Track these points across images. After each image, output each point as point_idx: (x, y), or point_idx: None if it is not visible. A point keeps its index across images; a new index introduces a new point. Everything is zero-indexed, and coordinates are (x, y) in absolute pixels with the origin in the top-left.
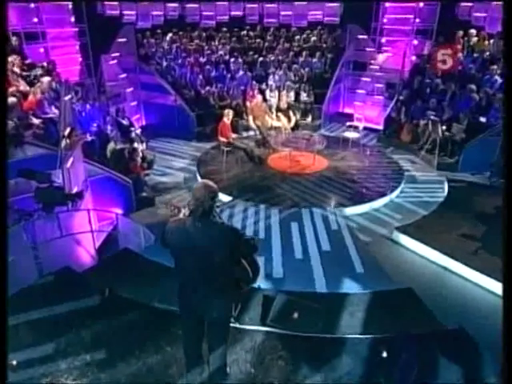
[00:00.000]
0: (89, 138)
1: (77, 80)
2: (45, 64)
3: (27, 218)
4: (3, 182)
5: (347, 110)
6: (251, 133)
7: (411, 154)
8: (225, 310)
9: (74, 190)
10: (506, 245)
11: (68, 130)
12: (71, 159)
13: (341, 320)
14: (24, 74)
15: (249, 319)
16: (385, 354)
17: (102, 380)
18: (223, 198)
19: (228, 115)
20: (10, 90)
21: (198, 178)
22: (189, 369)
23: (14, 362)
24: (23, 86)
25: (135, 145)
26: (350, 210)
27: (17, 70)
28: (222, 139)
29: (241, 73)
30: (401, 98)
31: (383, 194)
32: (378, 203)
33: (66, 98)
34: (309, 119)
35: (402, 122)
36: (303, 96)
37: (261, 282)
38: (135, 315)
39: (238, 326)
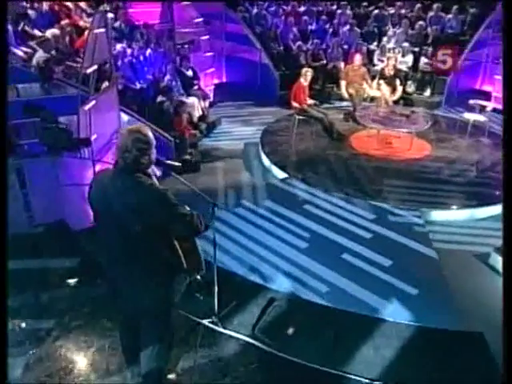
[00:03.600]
0: (137, 85)
1: (149, 22)
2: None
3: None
4: (3, 181)
5: (486, 88)
6: (345, 104)
7: None
8: (155, 299)
9: (93, 138)
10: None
11: (93, 68)
12: (93, 102)
13: (355, 353)
14: (89, 10)
15: (238, 324)
16: None
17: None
18: (280, 175)
19: (306, 75)
20: (62, 22)
21: (260, 148)
22: (127, 366)
23: None
24: (83, 22)
25: (186, 98)
26: (440, 215)
27: (82, 4)
28: (295, 104)
29: (347, 28)
30: None
31: (492, 202)
32: (482, 212)
33: (98, 30)
34: (426, 93)
35: None
36: (423, 63)
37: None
38: None
39: (220, 329)
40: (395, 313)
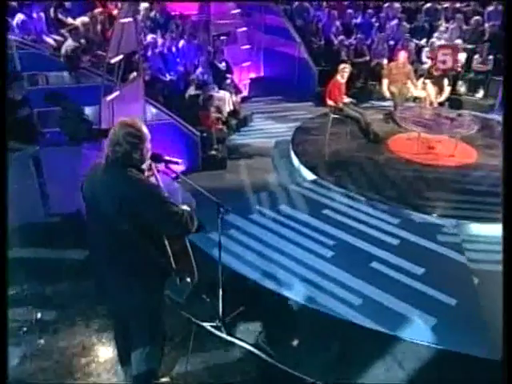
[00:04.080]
0: (167, 77)
1: (185, 13)
2: None
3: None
4: (3, 181)
5: None
6: (386, 103)
7: None
8: (142, 300)
9: None
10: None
11: (118, 58)
12: (116, 93)
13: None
14: None
15: (243, 330)
16: None
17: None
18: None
19: (343, 72)
20: (95, 10)
21: (290, 147)
22: (121, 365)
23: None
24: (117, 11)
25: (217, 92)
26: (478, 229)
27: None
28: (330, 102)
29: (394, 22)
30: None
31: None
32: None
33: (126, 20)
34: (479, 95)
35: None
36: (477, 62)
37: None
38: None
39: (222, 335)
40: (417, 332)
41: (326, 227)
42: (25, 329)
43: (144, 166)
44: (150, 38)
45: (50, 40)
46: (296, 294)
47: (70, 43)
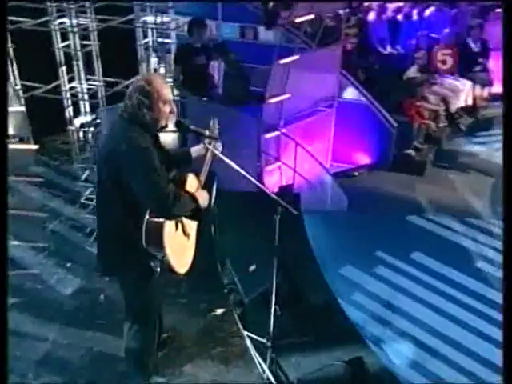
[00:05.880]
0: (387, 50)
1: None
2: None
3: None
4: (3, 180)
5: None
6: None
7: None
8: (118, 268)
9: (280, 98)
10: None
11: (307, 17)
12: (294, 57)
13: None
14: None
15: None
16: None
17: None
18: None
19: None
20: None
21: None
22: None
23: None
24: None
25: (455, 80)
26: None
27: None
28: None
29: None
30: None
31: None
32: None
33: None
34: None
35: None
36: None
37: None
38: None
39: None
40: None
41: None
42: None
43: (158, 130)
44: None
45: None
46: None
47: None
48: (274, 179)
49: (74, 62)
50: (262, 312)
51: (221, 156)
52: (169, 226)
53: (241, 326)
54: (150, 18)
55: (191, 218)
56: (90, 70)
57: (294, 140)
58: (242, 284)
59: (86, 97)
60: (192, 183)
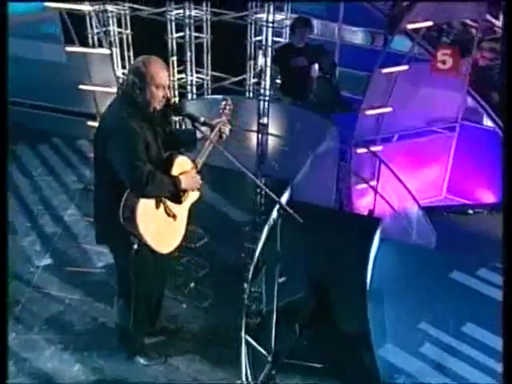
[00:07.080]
0: None
1: None
2: None
3: None
4: (3, 180)
5: None
6: None
7: None
8: (111, 246)
9: (382, 111)
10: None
11: (423, 24)
12: (403, 67)
13: None
14: None
15: None
16: None
17: None
18: None
19: None
20: None
21: None
22: None
23: None
24: None
25: None
26: None
27: None
28: None
29: None
30: None
31: None
32: None
33: None
34: None
35: None
36: None
37: None
38: None
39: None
40: None
41: None
42: None
43: (151, 112)
44: None
45: None
46: None
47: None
48: (364, 200)
49: (188, 53)
50: (279, 326)
51: (219, 147)
52: (144, 204)
53: (243, 333)
54: (264, 16)
55: (171, 199)
56: (198, 63)
57: (382, 161)
58: (267, 294)
59: (193, 89)
60: (182, 165)
